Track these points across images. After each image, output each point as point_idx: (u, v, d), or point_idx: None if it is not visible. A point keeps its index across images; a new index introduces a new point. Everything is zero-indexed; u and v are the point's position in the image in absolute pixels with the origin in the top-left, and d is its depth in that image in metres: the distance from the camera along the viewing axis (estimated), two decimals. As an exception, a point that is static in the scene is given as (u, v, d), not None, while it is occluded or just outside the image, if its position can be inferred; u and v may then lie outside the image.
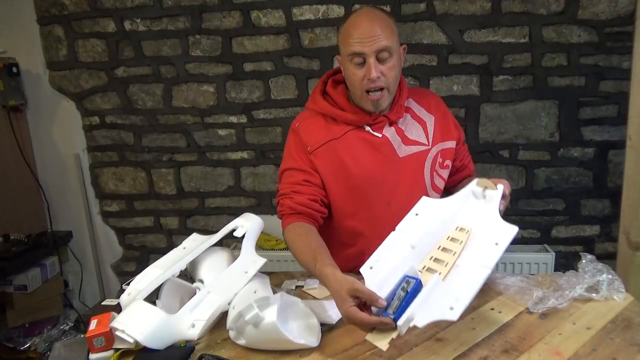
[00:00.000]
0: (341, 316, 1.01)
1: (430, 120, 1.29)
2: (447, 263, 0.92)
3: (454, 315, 0.82)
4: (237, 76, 2.21)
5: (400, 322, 0.82)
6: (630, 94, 1.51)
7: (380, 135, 1.23)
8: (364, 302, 0.88)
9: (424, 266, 0.94)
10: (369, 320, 0.85)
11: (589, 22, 1.98)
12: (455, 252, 0.94)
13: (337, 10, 2.09)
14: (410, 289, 0.87)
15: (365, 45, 1.11)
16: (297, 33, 2.13)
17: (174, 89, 2.27)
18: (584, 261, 1.14)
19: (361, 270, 0.95)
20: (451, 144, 1.31)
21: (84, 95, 2.33)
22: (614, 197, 2.08)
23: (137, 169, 2.40)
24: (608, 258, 1.76)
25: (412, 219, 1.03)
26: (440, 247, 0.97)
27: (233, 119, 2.28)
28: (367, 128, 1.23)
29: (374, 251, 1.06)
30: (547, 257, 2.05)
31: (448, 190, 1.38)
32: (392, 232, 1.01)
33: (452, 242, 0.97)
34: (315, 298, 1.16)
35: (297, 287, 1.23)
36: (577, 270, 1.14)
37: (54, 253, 2.41)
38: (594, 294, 1.07)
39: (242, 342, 0.95)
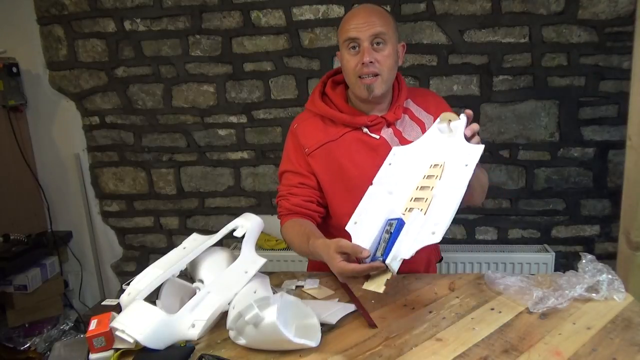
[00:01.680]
0: (341, 316, 1.02)
1: (429, 120, 1.29)
2: (427, 199, 0.94)
3: (436, 239, 0.85)
4: (237, 76, 2.22)
5: (388, 261, 0.85)
6: (630, 94, 1.51)
7: (377, 137, 1.23)
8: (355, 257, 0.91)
9: (406, 208, 0.96)
10: (360, 269, 0.88)
11: (589, 22, 1.98)
12: (432, 188, 0.95)
13: (337, 10, 2.09)
14: (393, 230, 0.89)
15: (360, 30, 1.14)
16: (297, 33, 2.13)
17: (174, 89, 2.27)
18: (584, 261, 1.13)
19: (347, 227, 0.98)
20: None
21: (84, 95, 2.34)
22: (614, 197, 2.08)
23: (137, 169, 2.40)
24: (608, 258, 1.76)
25: (386, 169, 1.07)
26: (418, 187, 0.99)
27: (233, 119, 2.28)
28: (365, 129, 1.24)
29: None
30: (547, 257, 2.05)
31: None
32: (370, 186, 1.05)
33: (428, 179, 0.99)
34: (315, 298, 1.16)
35: (297, 287, 1.23)
36: (577, 270, 1.14)
37: (54, 253, 2.41)
38: (594, 294, 1.07)
39: (242, 342, 0.95)
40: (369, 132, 1.23)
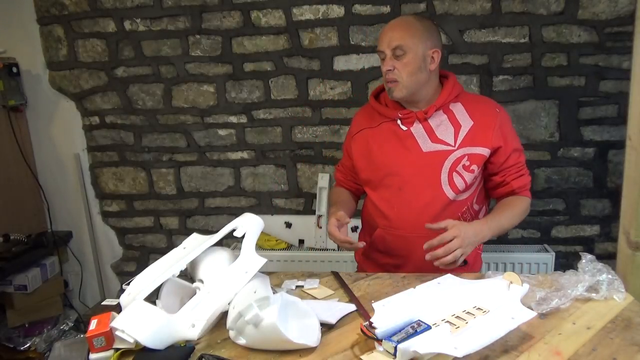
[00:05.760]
0: (341, 316, 1.03)
1: (467, 124, 1.34)
2: (458, 327, 0.94)
3: (458, 353, 0.83)
4: (237, 76, 2.22)
5: (401, 346, 0.84)
6: (630, 94, 1.50)
7: (405, 129, 1.37)
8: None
9: (435, 323, 0.96)
10: (336, 235, 1.28)
11: (589, 22, 1.98)
12: (467, 322, 0.96)
13: (337, 10, 2.09)
14: (419, 330, 0.90)
15: (383, 44, 1.32)
16: (297, 33, 2.13)
17: (174, 89, 2.27)
18: (584, 261, 1.14)
19: (374, 305, 1.00)
20: (482, 150, 1.33)
21: (84, 95, 2.33)
22: (614, 197, 2.08)
23: (137, 169, 2.40)
24: (608, 258, 1.75)
25: (434, 285, 1.11)
26: (454, 315, 0.99)
27: (233, 119, 2.28)
28: (399, 121, 1.37)
29: (389, 227, 1.38)
30: (547, 257, 2.05)
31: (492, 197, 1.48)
32: (411, 288, 1.08)
33: (467, 314, 0.99)
34: (315, 298, 1.16)
35: (297, 287, 1.23)
36: (577, 270, 1.14)
37: (54, 253, 2.41)
38: (593, 294, 1.07)
39: (242, 342, 0.95)
40: (400, 124, 1.37)
